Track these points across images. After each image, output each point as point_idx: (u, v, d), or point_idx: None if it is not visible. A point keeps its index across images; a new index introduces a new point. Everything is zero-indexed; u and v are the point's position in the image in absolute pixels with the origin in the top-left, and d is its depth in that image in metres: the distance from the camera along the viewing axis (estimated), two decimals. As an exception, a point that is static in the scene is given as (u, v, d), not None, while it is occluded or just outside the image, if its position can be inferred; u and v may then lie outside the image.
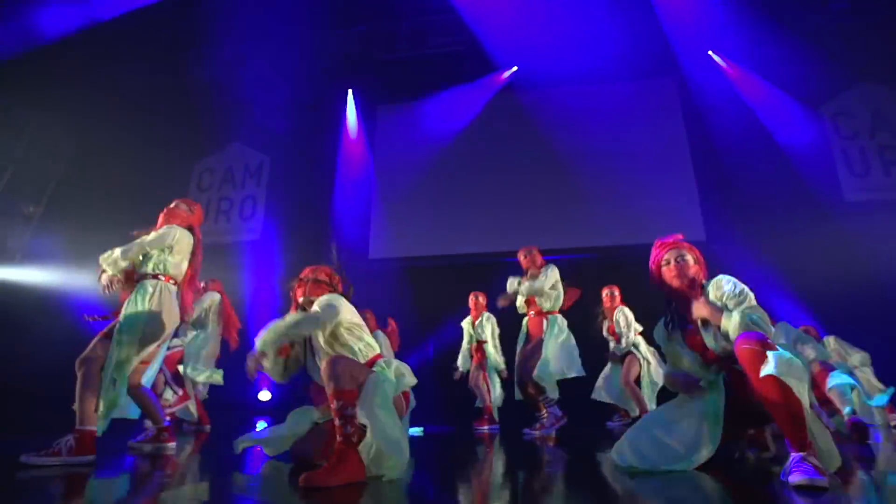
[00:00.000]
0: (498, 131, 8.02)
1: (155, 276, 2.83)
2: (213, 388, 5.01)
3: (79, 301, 7.83)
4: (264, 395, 7.36)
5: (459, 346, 5.43)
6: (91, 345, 2.69)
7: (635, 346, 4.84)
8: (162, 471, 2.35)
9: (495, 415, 5.02)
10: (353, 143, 8.52)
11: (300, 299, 2.55)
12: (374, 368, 2.18)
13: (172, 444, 2.95)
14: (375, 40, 7.72)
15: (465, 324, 5.34)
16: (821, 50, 7.02)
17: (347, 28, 7.33)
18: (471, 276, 6.67)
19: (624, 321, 4.87)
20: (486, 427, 4.80)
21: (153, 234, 2.87)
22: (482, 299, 5.28)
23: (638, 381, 4.82)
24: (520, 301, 4.43)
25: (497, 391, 5.12)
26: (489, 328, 5.17)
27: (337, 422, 1.94)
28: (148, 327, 2.71)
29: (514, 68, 8.12)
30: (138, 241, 2.83)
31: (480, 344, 5.22)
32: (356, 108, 8.63)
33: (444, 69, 7.92)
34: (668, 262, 2.34)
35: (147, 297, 2.75)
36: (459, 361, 5.31)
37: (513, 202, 7.60)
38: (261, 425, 5.19)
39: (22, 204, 8.24)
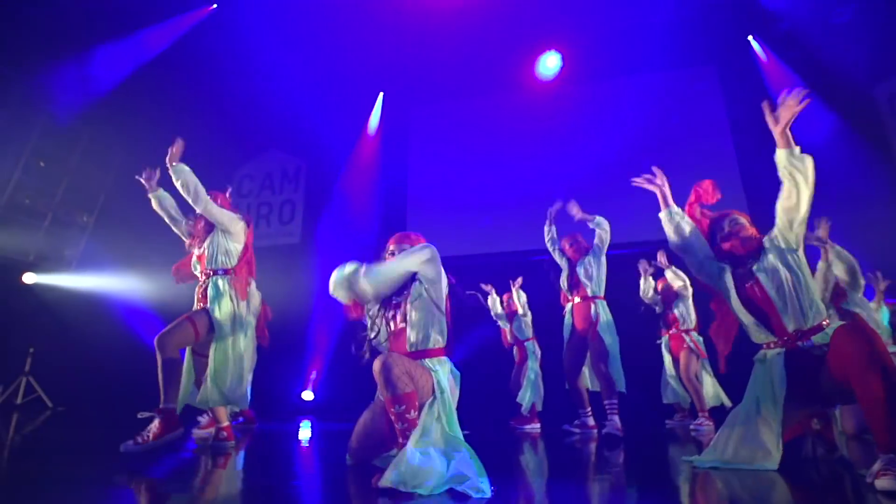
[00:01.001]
0: (533, 126, 7.93)
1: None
2: (255, 387, 5.12)
3: (128, 305, 8.18)
4: (307, 395, 7.49)
5: (498, 345, 5.43)
6: (174, 325, 2.92)
7: (687, 333, 4.70)
8: (226, 470, 2.41)
9: (525, 412, 4.95)
10: (387, 145, 8.58)
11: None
12: (431, 369, 2.08)
13: (232, 443, 3.03)
14: (409, 40, 7.71)
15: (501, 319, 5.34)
16: (873, 28, 6.65)
17: (381, 29, 7.36)
18: (509, 275, 6.62)
19: (673, 276, 4.73)
20: (526, 426, 4.77)
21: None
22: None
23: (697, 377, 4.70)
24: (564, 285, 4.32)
25: (531, 391, 5.00)
26: (528, 318, 5.16)
27: (398, 426, 1.92)
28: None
29: (555, 63, 7.95)
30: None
31: (522, 343, 5.19)
32: (391, 110, 8.69)
33: (478, 66, 7.87)
34: (723, 231, 2.37)
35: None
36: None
37: (550, 198, 7.48)
38: (305, 424, 5.27)
39: (76, 214, 8.65)
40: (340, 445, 3.16)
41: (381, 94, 8.73)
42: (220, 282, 3.07)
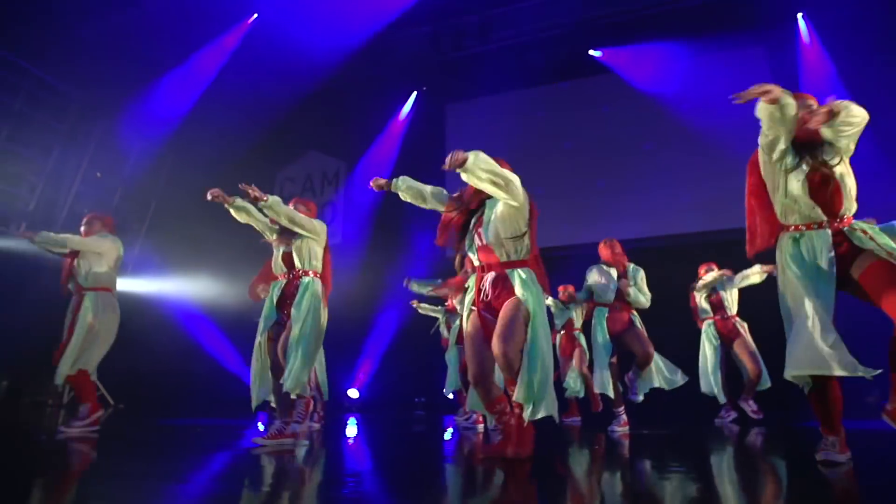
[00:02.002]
0: (572, 118, 7.80)
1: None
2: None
3: (180, 307, 8.52)
4: (353, 393, 7.63)
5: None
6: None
7: (733, 318, 4.61)
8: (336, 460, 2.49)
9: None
10: (424, 143, 8.61)
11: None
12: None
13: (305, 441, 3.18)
14: (443, 39, 7.73)
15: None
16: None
17: (416, 29, 7.42)
18: (550, 270, 6.55)
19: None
20: (573, 419, 4.79)
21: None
22: (572, 290, 5.28)
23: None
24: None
25: (579, 384, 5.00)
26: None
27: (511, 405, 2.17)
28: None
29: (599, 53, 7.80)
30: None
31: (571, 333, 5.19)
32: (427, 107, 8.72)
33: (512, 62, 7.80)
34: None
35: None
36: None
37: (592, 191, 7.37)
38: (351, 422, 5.38)
39: (130, 221, 9.07)
40: (389, 442, 3.22)
41: (415, 93, 8.76)
42: (310, 282, 3.13)
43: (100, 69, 7.31)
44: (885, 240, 1.93)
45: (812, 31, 6.94)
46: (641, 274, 4.13)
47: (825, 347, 1.87)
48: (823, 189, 2.05)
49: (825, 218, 2.06)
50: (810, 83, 6.74)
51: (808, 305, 1.97)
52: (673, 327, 4.88)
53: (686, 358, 4.86)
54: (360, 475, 2.26)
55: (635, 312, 4.11)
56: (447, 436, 3.85)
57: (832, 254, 2.00)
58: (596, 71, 7.79)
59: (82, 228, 4.02)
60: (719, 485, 2.00)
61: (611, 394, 4.03)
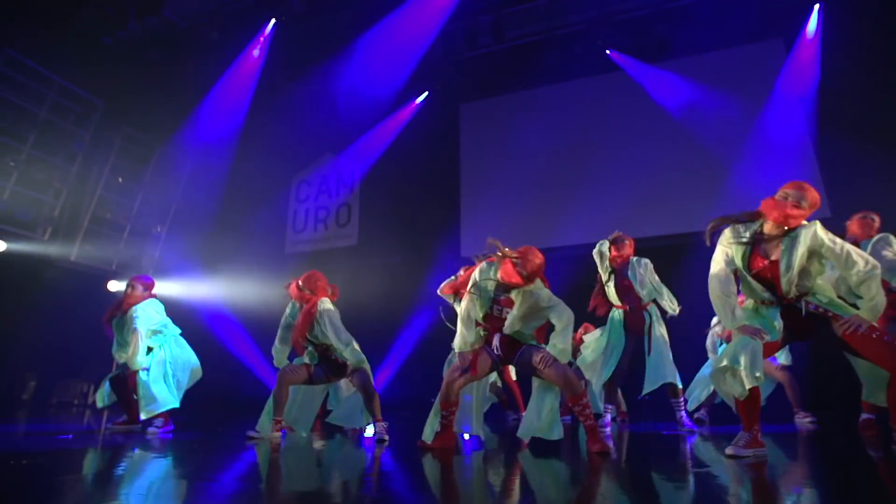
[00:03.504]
0: (587, 116, 7.75)
1: None
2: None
3: (201, 306, 8.64)
4: (370, 394, 7.67)
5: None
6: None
7: None
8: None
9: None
10: (440, 145, 8.61)
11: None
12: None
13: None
14: (457, 39, 7.72)
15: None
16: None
17: (429, 28, 7.41)
18: (565, 269, 6.51)
19: None
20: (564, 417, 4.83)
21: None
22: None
23: None
24: (613, 295, 4.09)
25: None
26: None
27: (583, 412, 2.60)
28: None
29: (611, 52, 7.74)
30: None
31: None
32: (440, 109, 8.73)
33: (526, 60, 7.78)
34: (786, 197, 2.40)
35: None
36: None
37: (606, 190, 7.30)
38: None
39: (151, 224, 9.24)
40: (407, 441, 3.24)
41: (426, 93, 8.76)
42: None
43: (121, 77, 7.47)
44: None
45: (820, 24, 6.80)
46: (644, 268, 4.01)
47: None
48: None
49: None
50: (792, 81, 6.72)
51: None
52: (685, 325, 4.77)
53: (696, 360, 4.80)
54: (381, 474, 2.28)
55: (651, 308, 3.95)
56: (466, 436, 3.85)
57: None
58: (609, 69, 7.73)
59: (127, 290, 4.35)
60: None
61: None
